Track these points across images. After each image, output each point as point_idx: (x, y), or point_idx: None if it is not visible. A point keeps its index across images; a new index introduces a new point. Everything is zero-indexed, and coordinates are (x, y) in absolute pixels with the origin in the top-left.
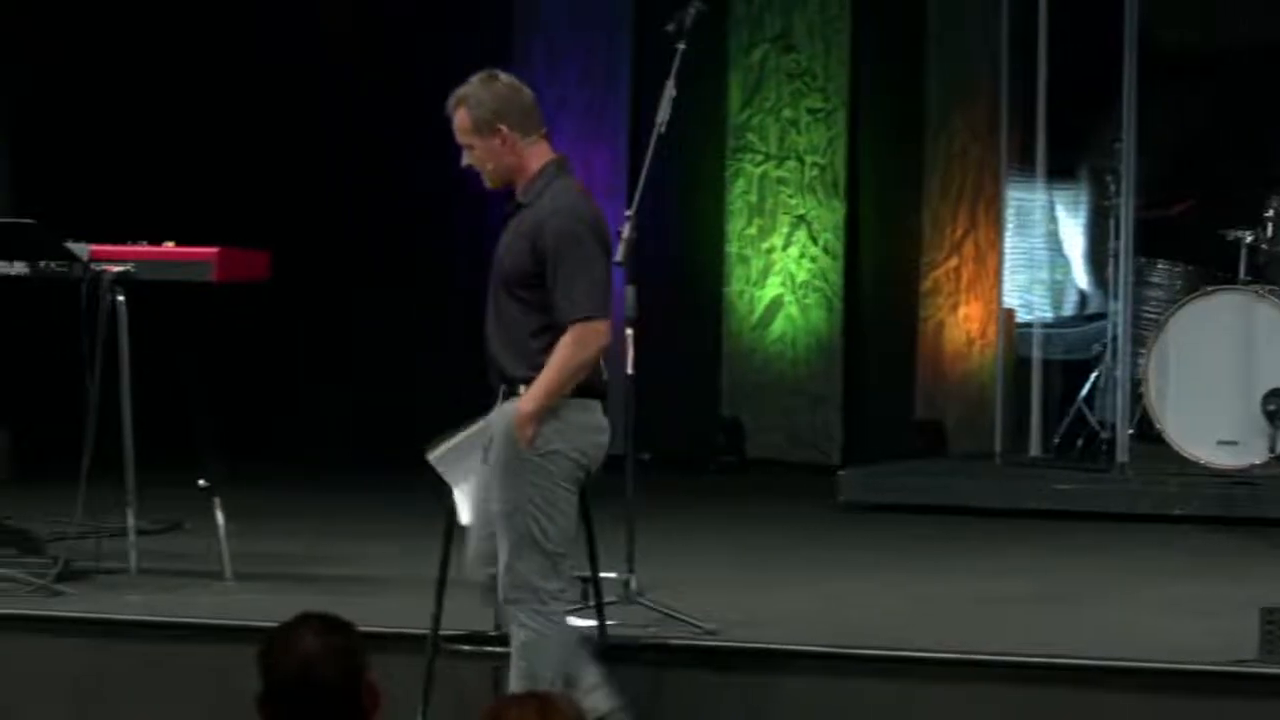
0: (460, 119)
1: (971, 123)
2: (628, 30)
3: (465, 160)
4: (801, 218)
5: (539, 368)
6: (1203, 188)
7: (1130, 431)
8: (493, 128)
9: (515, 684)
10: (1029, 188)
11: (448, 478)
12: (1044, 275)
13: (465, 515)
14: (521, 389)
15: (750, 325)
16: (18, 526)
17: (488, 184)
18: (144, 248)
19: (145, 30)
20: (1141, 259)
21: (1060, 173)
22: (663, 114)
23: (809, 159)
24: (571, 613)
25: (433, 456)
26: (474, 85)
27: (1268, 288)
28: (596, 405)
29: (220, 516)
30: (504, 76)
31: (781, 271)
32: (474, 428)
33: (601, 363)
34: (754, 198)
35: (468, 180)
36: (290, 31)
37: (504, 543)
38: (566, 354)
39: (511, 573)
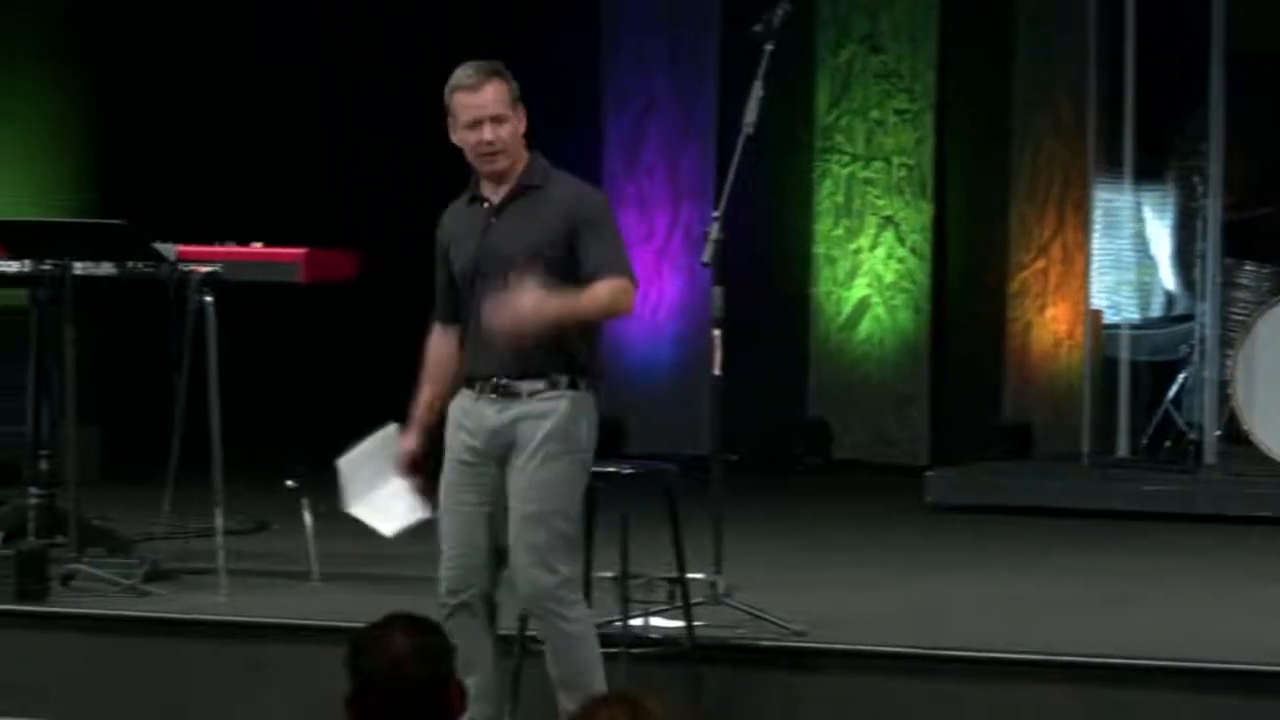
0: (500, 90)
1: (1059, 124)
2: (715, 30)
3: (492, 134)
4: (889, 219)
5: (566, 352)
6: None
7: (1217, 432)
8: (519, 105)
9: (572, 680)
10: (1116, 189)
11: (346, 493)
12: (1131, 276)
13: (388, 529)
14: (555, 382)
15: (837, 326)
16: (106, 527)
17: (497, 166)
18: (231, 248)
19: (230, 28)
20: (1229, 260)
21: (1147, 174)
22: (750, 115)
23: (896, 160)
24: (659, 613)
25: (341, 461)
26: (494, 62)
27: None
28: None
29: (308, 517)
30: None
31: (869, 273)
32: (379, 434)
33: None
34: (841, 198)
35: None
36: (378, 32)
37: (539, 538)
38: (606, 293)
39: (556, 573)
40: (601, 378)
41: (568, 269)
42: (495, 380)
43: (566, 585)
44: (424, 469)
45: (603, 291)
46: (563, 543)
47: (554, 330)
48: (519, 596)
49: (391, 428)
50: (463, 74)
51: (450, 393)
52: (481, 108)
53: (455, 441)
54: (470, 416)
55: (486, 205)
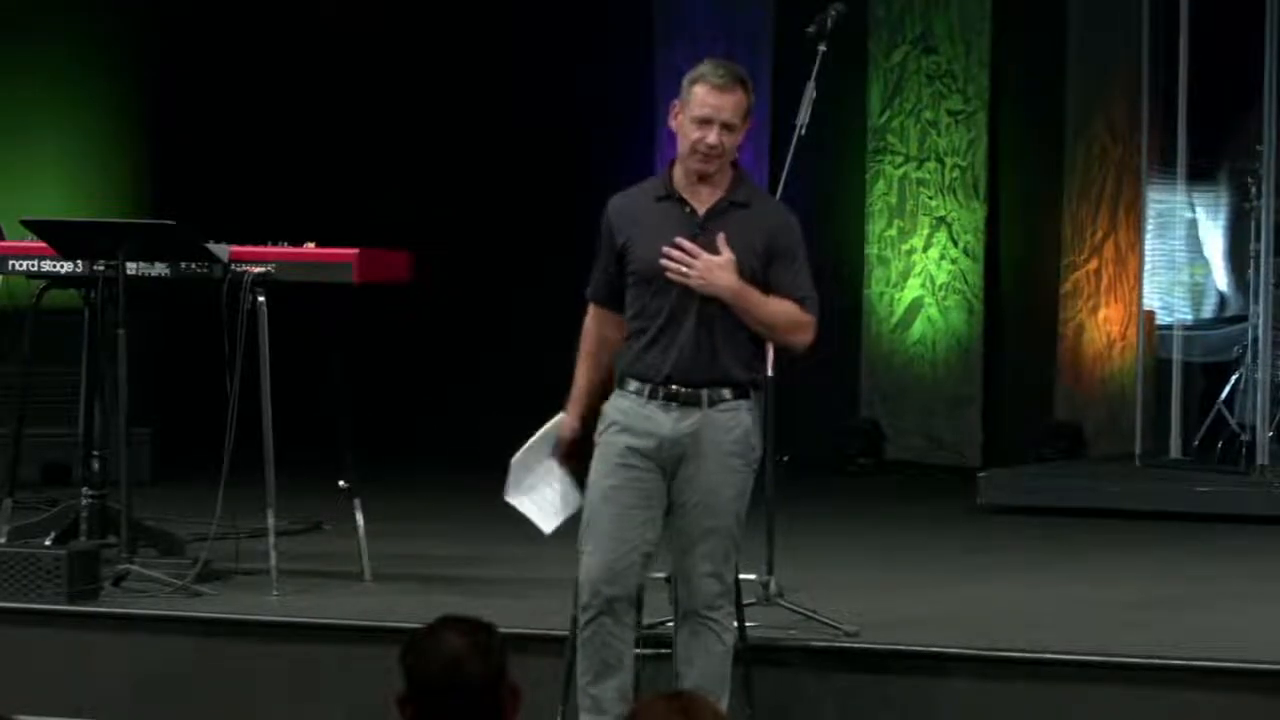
0: (740, 99)
1: (1112, 125)
2: (767, 31)
3: (717, 139)
4: (942, 219)
5: (742, 361)
6: None
7: (1270, 434)
8: (748, 119)
9: (707, 692)
10: (1169, 190)
11: (509, 484)
12: (1184, 277)
13: (546, 525)
14: (733, 392)
15: (890, 327)
16: (158, 527)
17: (710, 168)
18: (284, 249)
19: (285, 30)
20: None
21: (1201, 174)
22: (803, 115)
23: (949, 161)
24: None
25: (514, 460)
26: (741, 70)
27: None
28: None
29: (360, 517)
30: None
31: (921, 273)
32: (548, 425)
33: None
34: (894, 199)
35: (606, 179)
36: (431, 32)
37: (717, 550)
38: (791, 312)
39: (725, 584)
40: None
41: (762, 290)
42: (673, 386)
43: (728, 596)
44: (581, 455)
45: (789, 309)
46: (735, 554)
47: (742, 311)
48: (687, 603)
49: (560, 417)
50: (711, 69)
51: (604, 376)
52: (718, 110)
53: (616, 443)
54: (637, 419)
55: (689, 210)
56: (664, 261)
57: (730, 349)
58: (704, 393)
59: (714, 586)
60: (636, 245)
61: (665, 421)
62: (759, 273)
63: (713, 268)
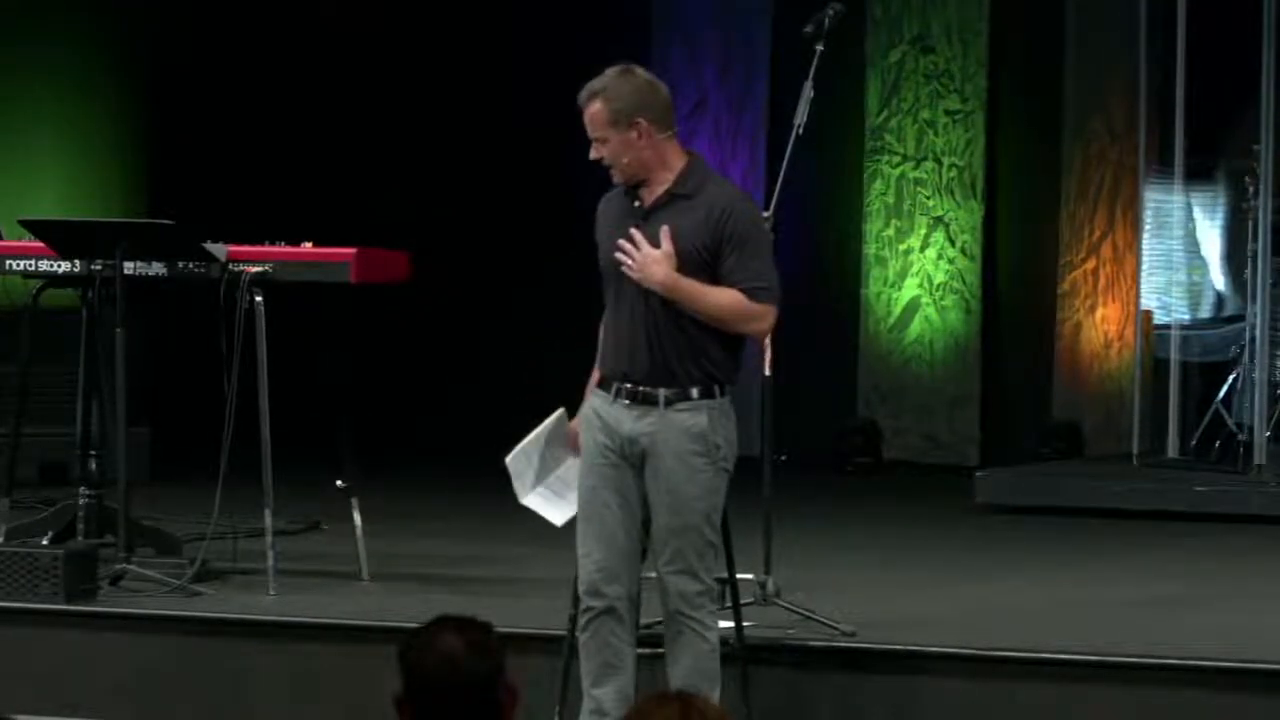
0: (595, 111)
1: (1110, 124)
2: (766, 30)
3: (595, 153)
4: (939, 219)
5: (704, 359)
6: None
7: (1267, 433)
8: (630, 121)
9: (694, 689)
10: (1167, 189)
11: (518, 485)
12: (1182, 277)
13: (557, 518)
14: (694, 391)
15: (887, 327)
16: (155, 526)
17: (619, 179)
18: (281, 248)
19: (282, 29)
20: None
21: (1198, 174)
22: (801, 115)
23: (947, 160)
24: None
25: (509, 459)
26: (610, 78)
27: None
28: None
29: (358, 517)
30: (640, 70)
31: (919, 273)
32: (548, 421)
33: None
34: (891, 199)
35: (604, 179)
36: (430, 32)
37: (686, 549)
38: (734, 302)
39: (700, 581)
40: (734, 384)
41: (711, 281)
42: (632, 385)
43: (707, 594)
44: None
45: (733, 299)
46: (709, 551)
47: (682, 305)
48: (668, 604)
49: (560, 412)
50: (584, 88)
51: None
52: (587, 127)
53: (591, 444)
54: (605, 419)
55: (638, 205)
56: (616, 255)
57: (688, 348)
58: (661, 392)
59: (690, 585)
60: (600, 242)
61: (625, 420)
62: (707, 262)
63: (648, 261)
